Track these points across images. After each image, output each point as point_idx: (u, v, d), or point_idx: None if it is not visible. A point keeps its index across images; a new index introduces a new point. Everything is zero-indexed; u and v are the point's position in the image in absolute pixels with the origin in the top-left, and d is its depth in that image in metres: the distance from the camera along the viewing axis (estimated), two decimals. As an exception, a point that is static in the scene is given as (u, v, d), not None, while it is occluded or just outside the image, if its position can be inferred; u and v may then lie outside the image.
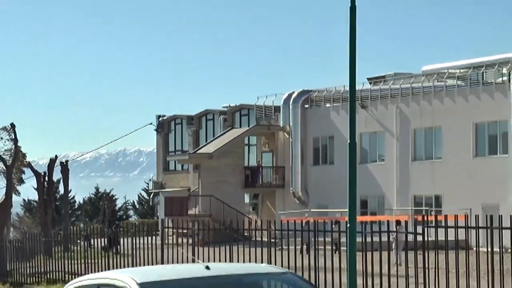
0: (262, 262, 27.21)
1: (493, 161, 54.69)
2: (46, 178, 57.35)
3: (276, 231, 29.47)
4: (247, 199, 70.64)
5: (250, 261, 27.55)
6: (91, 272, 34.40)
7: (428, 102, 58.75)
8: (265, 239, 28.31)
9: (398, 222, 27.57)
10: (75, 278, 32.52)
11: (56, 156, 59.99)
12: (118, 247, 38.17)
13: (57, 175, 60.52)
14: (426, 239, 23.08)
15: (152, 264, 31.84)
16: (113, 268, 33.30)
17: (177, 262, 30.93)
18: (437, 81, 59.39)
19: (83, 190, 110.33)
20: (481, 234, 21.96)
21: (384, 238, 26.78)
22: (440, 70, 61.29)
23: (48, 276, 36.93)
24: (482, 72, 57.47)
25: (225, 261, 28.42)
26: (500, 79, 55.65)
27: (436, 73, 60.81)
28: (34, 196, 76.39)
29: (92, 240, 39.42)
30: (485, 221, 21.60)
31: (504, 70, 55.36)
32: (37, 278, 37.36)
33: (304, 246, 28.44)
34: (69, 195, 73.82)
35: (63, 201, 62.08)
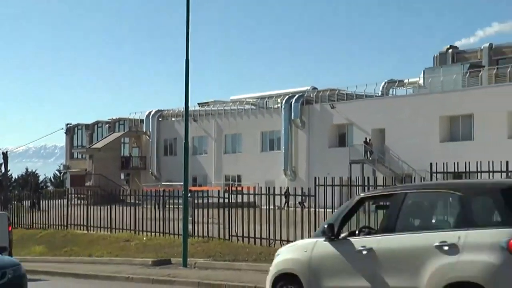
0: (131, 216, 26.83)
1: (272, 154, 55.61)
2: (-8, 163, 55.24)
3: (140, 196, 29.13)
4: (122, 176, 69.72)
5: (123, 216, 27.04)
6: (23, 222, 33.25)
7: (234, 118, 59.25)
8: (133, 201, 27.95)
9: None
10: (12, 226, 31.05)
11: (-1, 148, 57.88)
12: (40, 206, 37.06)
13: (-1, 160, 58.09)
14: (230, 201, 23.28)
15: (61, 217, 30.95)
16: (36, 220, 32.37)
17: (78, 217, 30.14)
18: (239, 106, 59.94)
19: (18, 170, 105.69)
20: (263, 198, 22.32)
21: (210, 200, 26.85)
22: (241, 99, 61.85)
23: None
24: (266, 101, 58.35)
25: (107, 216, 27.77)
26: (277, 105, 56.63)
27: (239, 101, 61.36)
28: (-16, 174, 73.67)
29: (23, 202, 38.03)
30: (266, 190, 21.97)
31: (279, 100, 56.35)
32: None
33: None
34: (8, 173, 71.69)
35: (3, 177, 59.51)
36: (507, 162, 16.94)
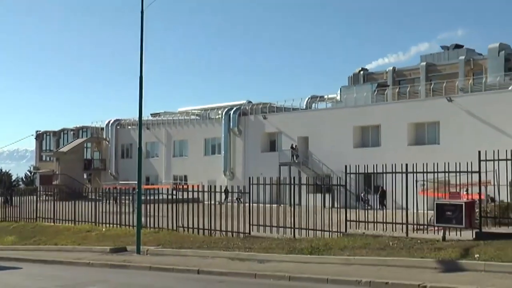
0: (92, 210, 26.30)
1: (214, 158, 55.43)
2: (-30, 164, 53.48)
3: (100, 193, 28.65)
4: (85, 176, 68.33)
5: (85, 210, 26.48)
6: (-5, 216, 32.24)
7: (181, 127, 58.88)
8: (94, 197, 27.49)
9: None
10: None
11: (-24, 152, 56.16)
12: (12, 201, 36.05)
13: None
14: (177, 197, 23.18)
15: (31, 211, 30.14)
16: (9, 213, 31.48)
17: (46, 211, 29.38)
18: (186, 116, 59.61)
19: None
20: (206, 194, 22.29)
21: (160, 197, 26.63)
22: (188, 110, 61.49)
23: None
24: (209, 112, 58.20)
25: (72, 210, 27.21)
26: (218, 116, 56.47)
27: (186, 112, 61.02)
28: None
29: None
30: (208, 188, 21.98)
31: (219, 111, 56.25)
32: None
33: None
34: (-16, 173, 69.96)
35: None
36: (406, 165, 17.41)
